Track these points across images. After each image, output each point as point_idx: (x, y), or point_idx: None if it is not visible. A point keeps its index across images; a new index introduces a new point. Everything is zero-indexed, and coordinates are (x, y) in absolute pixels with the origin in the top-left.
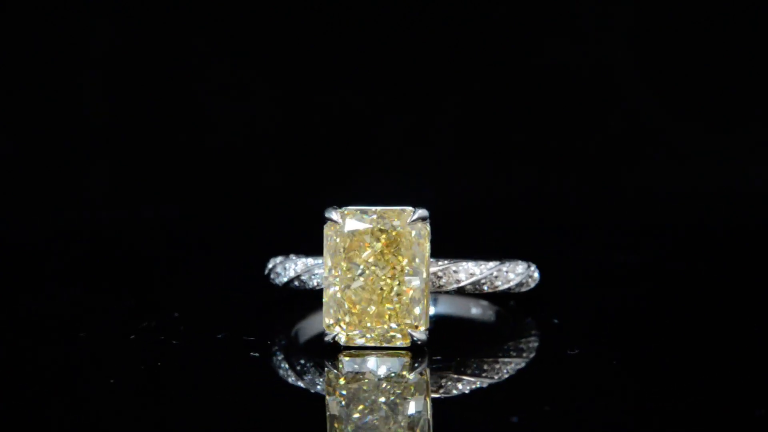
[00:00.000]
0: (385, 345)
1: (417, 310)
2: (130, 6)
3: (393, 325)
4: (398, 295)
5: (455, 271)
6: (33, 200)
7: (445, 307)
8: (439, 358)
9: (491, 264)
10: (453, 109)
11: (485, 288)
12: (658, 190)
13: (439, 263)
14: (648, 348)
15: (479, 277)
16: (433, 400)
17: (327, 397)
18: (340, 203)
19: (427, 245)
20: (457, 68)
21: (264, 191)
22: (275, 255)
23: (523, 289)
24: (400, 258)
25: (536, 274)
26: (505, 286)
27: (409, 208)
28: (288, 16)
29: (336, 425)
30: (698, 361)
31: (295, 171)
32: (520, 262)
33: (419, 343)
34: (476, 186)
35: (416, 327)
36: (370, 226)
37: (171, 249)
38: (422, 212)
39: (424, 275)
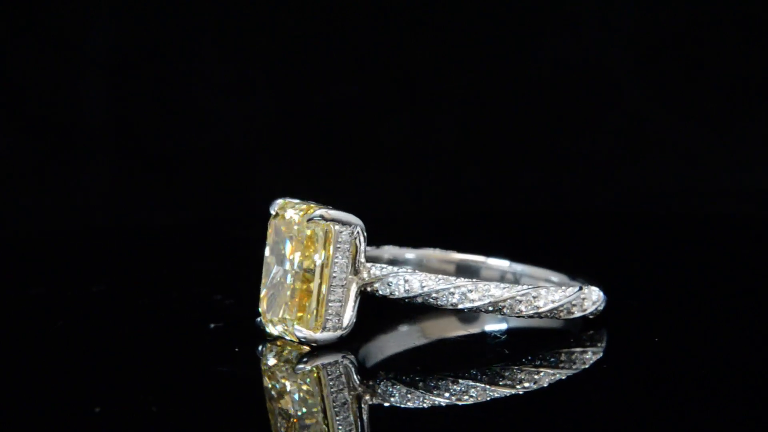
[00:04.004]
0: (291, 339)
1: (313, 309)
2: (130, 6)
3: (293, 319)
4: (298, 292)
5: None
6: (33, 200)
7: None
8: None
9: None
10: (453, 109)
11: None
12: (657, 190)
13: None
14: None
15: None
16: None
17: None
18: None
19: (330, 247)
20: (457, 68)
21: (263, 191)
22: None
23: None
24: (306, 256)
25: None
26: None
27: (315, 207)
28: (288, 16)
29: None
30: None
31: (294, 170)
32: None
33: (314, 344)
34: (475, 186)
35: (310, 326)
36: (286, 221)
37: (170, 248)
38: (324, 212)
39: (325, 276)
